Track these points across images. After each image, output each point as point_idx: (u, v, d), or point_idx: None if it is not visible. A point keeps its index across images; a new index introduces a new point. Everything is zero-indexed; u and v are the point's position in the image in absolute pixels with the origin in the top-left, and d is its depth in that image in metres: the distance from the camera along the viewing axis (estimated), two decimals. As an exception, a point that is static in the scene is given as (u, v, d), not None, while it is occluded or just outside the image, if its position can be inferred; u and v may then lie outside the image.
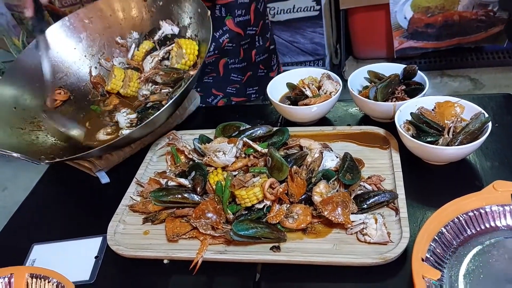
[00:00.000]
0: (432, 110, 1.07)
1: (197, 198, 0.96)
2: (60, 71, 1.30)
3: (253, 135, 1.10)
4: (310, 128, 1.18)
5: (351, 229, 0.90)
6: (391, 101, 1.12)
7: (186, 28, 1.30)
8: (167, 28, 1.30)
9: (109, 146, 1.04)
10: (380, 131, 1.13)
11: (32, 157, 1.06)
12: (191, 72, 1.18)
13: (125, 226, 1.01)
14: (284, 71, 1.33)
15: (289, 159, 0.99)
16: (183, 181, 0.99)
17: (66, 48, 1.32)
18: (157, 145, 1.20)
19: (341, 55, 3.25)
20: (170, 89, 1.20)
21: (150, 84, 1.25)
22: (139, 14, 1.37)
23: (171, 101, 1.06)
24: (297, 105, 1.18)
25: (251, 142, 1.04)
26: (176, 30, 1.31)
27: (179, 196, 0.96)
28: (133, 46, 1.33)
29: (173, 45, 1.25)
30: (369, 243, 0.87)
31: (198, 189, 0.96)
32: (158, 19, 1.33)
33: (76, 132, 1.25)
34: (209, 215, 0.92)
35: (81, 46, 1.34)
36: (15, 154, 1.04)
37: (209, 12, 1.18)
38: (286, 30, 3.26)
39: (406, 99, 1.11)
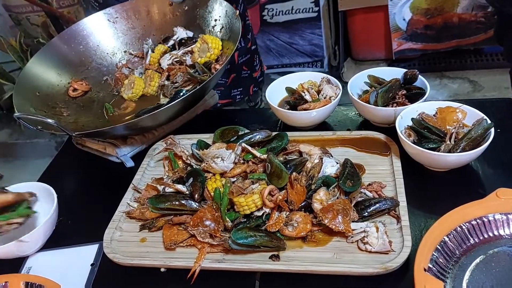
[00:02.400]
0: (434, 115, 1.06)
1: (195, 205, 0.94)
2: (83, 64, 1.38)
3: (252, 140, 1.08)
4: (309, 133, 1.17)
5: (352, 237, 0.88)
6: (392, 106, 1.11)
7: (209, 31, 1.35)
8: (181, 32, 1.35)
9: (131, 124, 1.08)
10: (381, 136, 1.11)
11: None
12: (217, 66, 1.20)
13: (121, 233, 0.99)
14: (270, 68, 1.36)
15: (288, 165, 0.97)
16: (180, 187, 0.98)
17: (90, 44, 1.41)
18: (155, 149, 1.18)
19: (339, 57, 3.24)
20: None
21: (170, 82, 1.29)
22: (163, 17, 1.43)
23: (189, 93, 1.09)
24: (296, 109, 1.16)
25: (250, 148, 1.02)
26: (190, 34, 1.36)
27: (177, 203, 0.94)
28: (149, 51, 1.38)
29: (193, 45, 1.29)
30: (370, 252, 0.86)
31: (196, 196, 0.95)
32: (182, 22, 1.39)
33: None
34: (207, 222, 0.90)
35: (104, 44, 1.42)
36: (49, 120, 1.07)
37: (237, 12, 1.22)
38: (285, 32, 3.24)
39: (407, 104, 1.10)
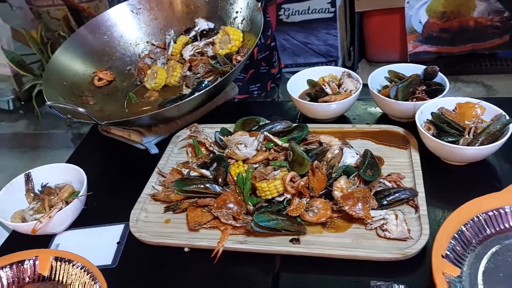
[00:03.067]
0: (453, 110, 1.08)
1: (219, 189, 0.97)
2: (107, 54, 1.41)
3: (273, 129, 1.11)
4: (329, 125, 1.19)
5: (371, 224, 0.91)
6: (412, 101, 1.13)
7: (231, 23, 1.38)
8: (203, 24, 1.38)
9: (157, 114, 1.12)
10: (399, 130, 1.14)
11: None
12: (238, 58, 1.23)
13: (147, 214, 1.02)
14: (285, 67, 1.40)
15: (310, 154, 1.00)
16: (205, 172, 1.01)
17: (114, 35, 1.44)
18: (179, 137, 1.22)
19: (354, 58, 3.26)
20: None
21: (192, 72, 1.32)
22: (185, 8, 1.47)
23: (212, 85, 1.12)
24: (317, 102, 1.19)
25: (272, 136, 1.05)
26: (211, 25, 1.39)
27: (202, 186, 0.98)
28: (171, 42, 1.41)
29: (214, 37, 1.32)
30: (389, 238, 0.88)
31: (220, 180, 0.98)
32: (203, 14, 1.43)
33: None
34: (231, 205, 0.93)
35: (128, 35, 1.45)
36: (81, 109, 1.10)
37: (259, 4, 1.25)
38: (300, 31, 3.27)
39: (426, 99, 1.12)
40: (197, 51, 1.34)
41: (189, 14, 1.47)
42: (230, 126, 1.19)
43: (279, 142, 1.03)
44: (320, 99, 1.18)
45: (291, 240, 0.87)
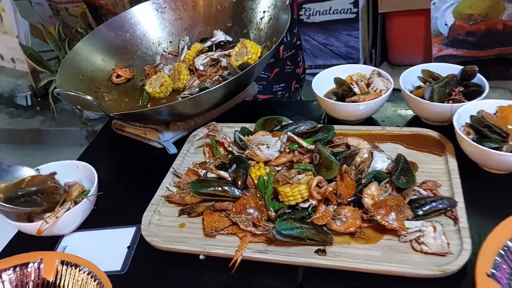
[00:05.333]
0: (494, 114, 0.99)
1: (238, 192, 0.90)
2: (128, 52, 1.38)
3: (297, 130, 1.03)
4: (357, 127, 1.11)
5: (405, 236, 0.82)
6: (448, 103, 1.04)
7: (257, 23, 1.31)
8: (220, 36, 1.31)
9: (170, 108, 1.06)
10: (434, 134, 1.05)
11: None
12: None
13: (160, 217, 0.95)
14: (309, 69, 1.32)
15: (337, 157, 0.92)
16: (223, 173, 0.94)
17: (137, 33, 1.40)
18: (195, 136, 1.15)
19: (375, 60, 3.16)
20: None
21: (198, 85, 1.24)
22: (210, 8, 1.41)
23: (233, 77, 1.05)
24: (344, 102, 1.11)
25: (296, 137, 0.98)
26: (229, 38, 1.32)
27: (219, 188, 0.90)
28: (185, 48, 1.35)
29: (230, 50, 1.25)
30: (426, 253, 0.80)
31: (239, 182, 0.91)
32: (228, 14, 1.37)
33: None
34: (250, 210, 0.86)
35: (151, 33, 1.41)
36: (88, 97, 1.05)
37: (287, 1, 1.18)
38: (321, 32, 3.18)
39: (464, 101, 1.04)
40: (210, 60, 1.27)
41: (215, 15, 1.41)
42: (250, 126, 1.12)
43: (304, 144, 0.96)
44: (347, 99, 1.10)
45: (316, 251, 0.80)
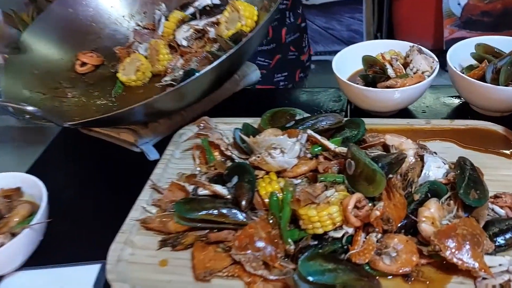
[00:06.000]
0: None
1: (242, 217, 0.65)
2: (93, 32, 1.11)
3: (317, 126, 0.77)
4: (392, 121, 0.86)
5: (485, 279, 0.57)
6: (516, 86, 0.79)
7: None
8: None
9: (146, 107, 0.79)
10: (497, 128, 0.80)
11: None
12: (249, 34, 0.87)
13: (133, 251, 0.70)
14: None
15: (379, 164, 0.66)
16: (219, 189, 0.68)
17: (102, 6, 1.12)
18: (181, 135, 0.89)
19: (381, 45, 2.90)
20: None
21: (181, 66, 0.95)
22: None
23: (217, 62, 0.76)
24: (375, 87, 0.85)
25: (319, 137, 0.72)
26: (216, 0, 1.01)
27: (215, 212, 0.65)
28: (162, 19, 1.05)
29: (219, 16, 0.96)
30: (521, 306, 0.54)
31: (243, 202, 0.65)
32: None
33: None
34: (260, 244, 0.60)
35: (120, 4, 1.13)
36: (29, 108, 0.76)
37: None
38: (321, 15, 2.90)
39: (537, 84, 0.78)
40: (195, 31, 0.98)
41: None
42: (253, 122, 0.86)
43: (331, 146, 0.70)
44: (380, 84, 0.84)
45: None
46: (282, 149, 0.67)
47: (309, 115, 0.83)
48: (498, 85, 0.78)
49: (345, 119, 0.81)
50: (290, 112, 0.85)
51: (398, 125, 0.84)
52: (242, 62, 0.96)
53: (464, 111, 0.90)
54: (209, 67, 0.76)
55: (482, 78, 0.81)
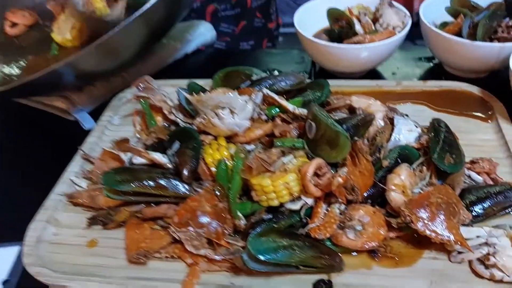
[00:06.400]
0: None
1: (184, 189, 0.55)
2: None
3: (275, 87, 0.68)
4: (359, 82, 0.78)
5: (460, 254, 0.50)
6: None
7: None
8: None
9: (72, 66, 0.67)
10: (474, 89, 0.73)
11: None
12: None
13: (58, 230, 0.60)
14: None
15: (344, 127, 0.57)
16: (159, 157, 0.58)
17: None
18: (122, 99, 0.77)
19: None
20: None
21: None
22: None
23: (135, 15, 0.65)
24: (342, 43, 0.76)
25: (276, 96, 0.62)
26: None
27: (151, 183, 0.55)
28: None
29: None
30: (501, 282, 0.47)
31: (185, 172, 0.55)
32: None
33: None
34: (204, 220, 0.52)
35: None
36: None
37: None
38: (288, -16, 2.79)
39: (516, 40, 0.71)
40: None
41: None
42: (205, 84, 0.75)
43: (290, 107, 0.61)
44: (346, 40, 0.75)
45: (316, 284, 0.45)
46: (231, 109, 0.57)
47: (268, 75, 0.73)
48: (476, 40, 0.70)
49: (308, 80, 0.72)
50: (245, 72, 0.75)
51: (367, 86, 0.76)
52: (178, 14, 0.84)
53: (438, 73, 0.83)
54: (132, 16, 0.65)
55: (458, 35, 0.73)
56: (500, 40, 0.73)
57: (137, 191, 0.55)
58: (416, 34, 0.83)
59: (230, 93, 0.58)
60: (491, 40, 0.73)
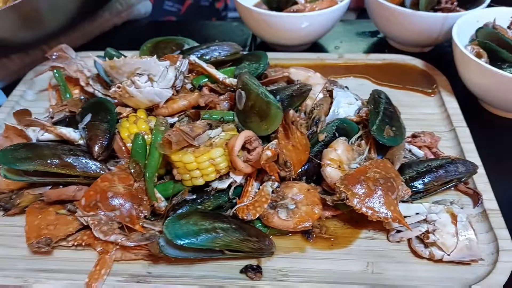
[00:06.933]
0: (508, 28, 0.65)
1: (95, 167, 0.48)
2: None
3: (207, 57, 0.62)
4: (300, 55, 0.73)
5: (399, 233, 0.46)
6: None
7: None
8: None
9: None
10: (417, 62, 0.70)
11: None
12: None
13: None
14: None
15: (278, 97, 0.52)
16: (67, 132, 0.50)
17: None
18: (37, 71, 0.69)
19: None
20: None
21: None
22: None
23: None
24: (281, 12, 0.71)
25: (204, 64, 0.56)
26: None
27: (55, 161, 0.47)
28: None
29: None
30: (441, 261, 0.44)
31: (96, 148, 0.48)
32: None
33: None
34: (117, 202, 0.45)
35: None
36: None
37: None
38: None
39: (459, 11, 0.68)
40: None
41: None
42: (132, 56, 0.67)
43: (220, 75, 0.55)
44: (285, 10, 0.70)
45: (244, 270, 0.42)
46: (150, 76, 0.50)
47: (199, 44, 0.67)
48: (419, 10, 0.67)
49: (245, 52, 0.67)
50: (176, 41, 0.69)
51: (308, 59, 0.72)
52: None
53: (382, 47, 0.79)
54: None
55: (402, 5, 0.69)
56: (443, 11, 0.70)
57: (40, 171, 0.48)
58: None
59: (148, 57, 0.51)
60: (434, 11, 0.70)
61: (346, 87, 0.62)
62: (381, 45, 0.80)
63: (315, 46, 0.79)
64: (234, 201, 0.49)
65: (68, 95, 0.59)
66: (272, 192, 0.49)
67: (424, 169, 0.51)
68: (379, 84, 0.69)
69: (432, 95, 0.66)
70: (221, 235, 0.44)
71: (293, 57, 0.72)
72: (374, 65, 0.71)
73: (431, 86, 0.67)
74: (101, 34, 0.84)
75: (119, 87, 0.50)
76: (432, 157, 0.55)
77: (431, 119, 0.62)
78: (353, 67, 0.71)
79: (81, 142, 0.51)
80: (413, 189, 0.50)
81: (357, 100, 0.60)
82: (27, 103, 0.67)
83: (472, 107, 0.65)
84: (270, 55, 0.68)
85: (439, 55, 0.75)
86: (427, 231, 0.46)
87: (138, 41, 0.75)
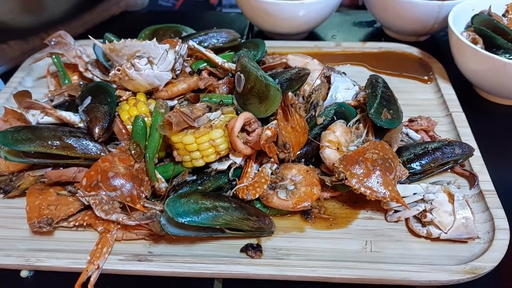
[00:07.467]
0: (503, 15, 0.66)
1: (96, 149, 0.48)
2: None
3: (206, 44, 0.62)
4: (298, 43, 0.74)
5: (397, 212, 0.47)
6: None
7: None
8: None
9: None
10: (413, 51, 0.71)
11: None
12: None
13: None
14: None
15: (276, 80, 0.53)
16: (67, 115, 0.51)
17: None
18: (35, 58, 0.69)
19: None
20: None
21: None
22: None
23: None
24: None
25: (203, 49, 0.57)
26: None
27: (56, 143, 0.48)
28: None
29: None
30: (438, 239, 0.45)
31: (96, 130, 0.48)
32: None
33: None
34: (118, 182, 0.46)
35: None
36: None
37: None
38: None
39: None
40: None
41: None
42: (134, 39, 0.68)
43: (218, 60, 0.55)
44: (284, -2, 0.71)
45: (244, 249, 0.43)
46: (150, 59, 0.51)
47: (198, 31, 0.67)
48: (415, -2, 0.68)
49: (244, 40, 0.67)
50: (175, 29, 0.69)
51: (305, 48, 0.73)
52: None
53: (378, 36, 0.80)
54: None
55: (398, -7, 0.70)
56: (438, -1, 0.71)
57: (40, 152, 0.48)
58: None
59: (147, 40, 0.51)
60: None
61: (344, 73, 0.63)
62: (378, 34, 0.81)
63: (312, 36, 0.80)
64: (234, 182, 0.50)
65: (67, 81, 0.60)
66: (272, 173, 0.50)
67: (421, 151, 0.52)
68: (376, 71, 0.70)
69: (429, 82, 0.67)
70: (221, 213, 0.44)
71: (290, 45, 0.73)
72: (371, 53, 0.72)
73: (427, 74, 0.68)
74: (99, 24, 0.84)
75: (118, 70, 0.50)
76: (429, 140, 0.56)
77: (427, 104, 0.63)
78: (350, 55, 0.72)
79: (81, 125, 0.51)
80: (411, 171, 0.51)
81: (354, 85, 0.61)
82: (25, 89, 0.67)
83: (467, 94, 0.66)
84: (268, 43, 0.69)
85: (435, 44, 0.76)
86: (425, 210, 0.46)
87: (136, 30, 0.75)
